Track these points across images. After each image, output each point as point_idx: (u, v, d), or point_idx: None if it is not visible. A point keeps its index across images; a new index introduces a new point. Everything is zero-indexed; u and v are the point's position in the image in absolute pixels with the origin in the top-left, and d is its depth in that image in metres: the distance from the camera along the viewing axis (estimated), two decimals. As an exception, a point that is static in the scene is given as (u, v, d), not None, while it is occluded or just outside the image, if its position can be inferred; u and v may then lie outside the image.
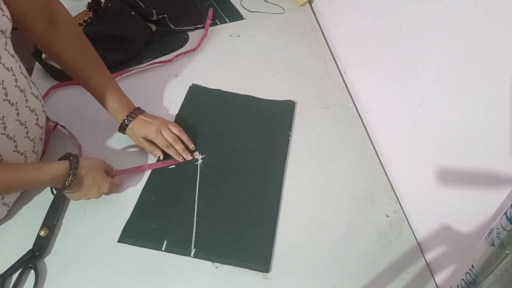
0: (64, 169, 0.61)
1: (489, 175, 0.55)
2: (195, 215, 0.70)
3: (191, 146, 0.79)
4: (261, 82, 0.98)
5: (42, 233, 0.65)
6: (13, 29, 0.61)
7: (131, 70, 0.97)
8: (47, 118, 0.77)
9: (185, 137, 0.79)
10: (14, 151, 0.63)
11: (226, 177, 0.77)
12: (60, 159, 0.64)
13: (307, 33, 1.15)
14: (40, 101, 0.71)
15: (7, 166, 0.59)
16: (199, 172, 0.77)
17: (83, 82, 0.75)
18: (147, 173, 0.76)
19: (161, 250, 0.66)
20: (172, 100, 0.92)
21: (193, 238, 0.67)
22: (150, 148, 0.77)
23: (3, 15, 0.56)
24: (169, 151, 0.77)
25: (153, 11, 1.07)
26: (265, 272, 0.65)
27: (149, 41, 1.04)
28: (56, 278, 0.62)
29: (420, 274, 0.67)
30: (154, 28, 1.07)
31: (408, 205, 0.76)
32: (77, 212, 0.70)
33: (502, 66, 0.51)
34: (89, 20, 1.03)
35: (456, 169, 0.62)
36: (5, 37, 0.58)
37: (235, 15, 1.19)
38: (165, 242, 0.66)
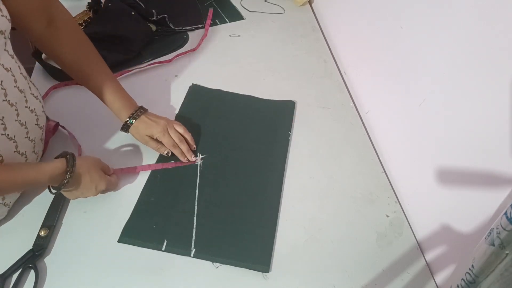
0: (61, 168, 0.61)
1: (489, 175, 0.55)
2: (195, 215, 0.70)
3: (193, 147, 0.79)
4: (261, 82, 0.98)
5: (42, 233, 0.65)
6: (13, 29, 0.60)
7: (131, 70, 0.97)
8: (47, 118, 0.77)
9: (189, 136, 0.79)
10: (14, 152, 0.63)
11: (226, 177, 0.77)
12: (57, 157, 0.64)
13: (307, 33, 1.15)
14: (40, 101, 0.71)
15: (4, 167, 0.59)
16: (199, 172, 0.77)
17: (85, 82, 0.74)
18: (147, 173, 0.76)
19: (161, 250, 0.66)
20: (172, 100, 0.92)
21: (193, 238, 0.67)
22: (157, 146, 0.77)
23: (2, 16, 0.56)
24: (175, 151, 0.77)
25: (153, 11, 1.07)
26: (265, 272, 0.65)
27: (149, 41, 1.04)
28: (56, 278, 0.62)
29: (420, 274, 0.67)
30: (154, 28, 1.07)
31: (408, 205, 0.76)
32: (77, 212, 0.70)
33: (502, 66, 0.51)
34: (89, 20, 1.03)
35: (456, 169, 0.62)
36: (4, 38, 0.58)
37: (235, 15, 1.19)
38: (165, 242, 0.66)
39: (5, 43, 0.59)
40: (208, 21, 1.14)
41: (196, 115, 0.88)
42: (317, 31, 1.16)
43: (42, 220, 0.67)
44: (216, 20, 1.16)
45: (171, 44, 1.06)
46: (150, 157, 0.79)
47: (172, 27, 1.09)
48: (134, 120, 0.75)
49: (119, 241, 0.66)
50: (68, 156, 0.63)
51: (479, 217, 0.56)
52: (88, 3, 1.07)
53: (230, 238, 0.68)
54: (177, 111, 0.89)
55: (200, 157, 0.80)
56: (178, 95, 0.93)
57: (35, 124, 0.68)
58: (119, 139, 0.80)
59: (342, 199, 0.76)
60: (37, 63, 0.94)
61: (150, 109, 0.79)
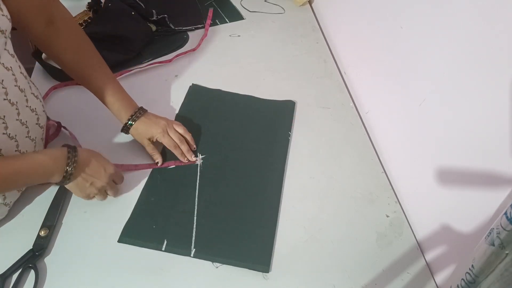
0: (62, 150, 0.62)
1: (489, 175, 0.55)
2: (195, 215, 0.70)
3: (193, 147, 0.79)
4: (261, 82, 0.98)
5: (42, 233, 0.65)
6: (13, 29, 0.61)
7: (131, 70, 0.97)
8: (47, 118, 0.77)
9: (189, 136, 0.79)
10: (15, 151, 0.63)
11: (226, 177, 0.77)
12: None
13: (307, 33, 1.15)
14: (40, 101, 0.71)
15: (4, 157, 0.60)
16: (199, 172, 0.77)
17: (85, 82, 0.74)
18: (147, 173, 0.76)
19: (161, 250, 0.66)
20: (172, 100, 0.92)
21: (193, 238, 0.67)
22: (152, 151, 0.77)
23: (3, 15, 0.56)
24: (176, 152, 0.76)
25: (153, 11, 1.07)
26: (265, 272, 0.65)
27: (149, 41, 1.04)
28: (56, 278, 0.62)
29: (420, 274, 0.67)
30: (154, 28, 1.07)
31: (408, 205, 0.76)
32: (77, 212, 0.70)
33: (502, 66, 0.51)
34: (89, 20, 1.03)
35: (456, 169, 0.62)
36: (5, 37, 0.58)
37: (235, 15, 1.19)
38: (165, 242, 0.66)
39: (6, 43, 0.59)
40: (208, 21, 1.14)
41: (196, 115, 0.88)
42: (317, 31, 1.16)
43: (42, 220, 0.67)
44: (216, 20, 1.16)
45: (171, 44, 1.06)
46: (150, 157, 0.79)
47: (172, 27, 1.09)
48: (133, 122, 0.75)
49: (119, 241, 0.66)
50: (67, 144, 0.64)
51: (479, 217, 0.56)
52: (88, 3, 1.07)
53: (230, 238, 0.68)
54: (177, 111, 0.89)
55: (200, 157, 0.80)
56: (178, 95, 0.93)
57: (36, 124, 0.68)
58: (120, 139, 0.80)
59: (342, 199, 0.76)
60: (37, 63, 0.94)
61: (150, 109, 0.79)
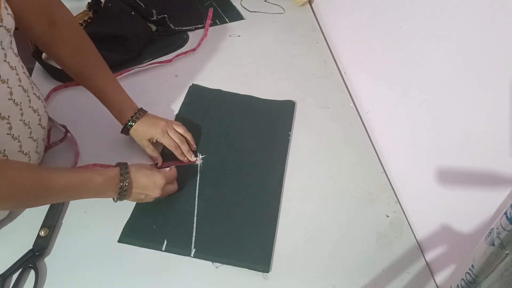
0: (115, 170, 0.62)
1: (489, 175, 0.55)
2: (195, 215, 0.70)
3: (193, 147, 0.79)
4: (261, 82, 0.98)
5: (42, 233, 0.65)
6: (15, 29, 0.61)
7: (131, 70, 0.97)
8: (49, 119, 0.77)
9: (189, 136, 0.79)
10: (19, 151, 0.63)
11: (226, 177, 0.77)
12: None
13: (307, 33, 1.15)
14: (42, 101, 0.71)
15: (57, 169, 0.58)
16: (199, 172, 0.77)
17: (85, 83, 0.74)
18: (147, 173, 0.76)
19: (161, 250, 0.66)
20: (172, 100, 0.92)
21: (193, 238, 0.67)
22: (152, 152, 0.77)
23: (8, 14, 0.56)
24: (176, 152, 0.76)
25: (153, 11, 1.07)
26: (265, 272, 0.65)
27: (149, 41, 1.04)
28: (56, 278, 0.62)
29: (420, 274, 0.67)
30: (154, 28, 1.07)
31: (408, 205, 0.76)
32: (77, 212, 0.70)
33: (502, 66, 0.51)
34: (89, 20, 1.03)
35: (456, 169, 0.62)
36: (10, 36, 0.58)
37: (235, 15, 1.19)
38: (165, 242, 0.66)
39: (11, 41, 0.59)
40: (208, 21, 1.14)
41: (196, 115, 0.88)
42: (317, 31, 1.16)
43: (42, 220, 0.67)
44: (216, 20, 1.16)
45: (171, 44, 1.06)
46: (150, 158, 0.79)
47: (172, 27, 1.09)
48: (133, 123, 0.74)
49: (119, 241, 0.66)
50: (119, 163, 0.64)
51: (479, 217, 0.56)
52: (88, 3, 1.07)
53: (230, 238, 0.68)
54: (177, 111, 0.89)
55: (200, 157, 0.80)
56: (178, 95, 0.93)
57: (38, 124, 0.68)
58: (120, 140, 0.80)
59: (342, 199, 0.76)
60: (37, 63, 0.94)
61: (150, 109, 0.79)
